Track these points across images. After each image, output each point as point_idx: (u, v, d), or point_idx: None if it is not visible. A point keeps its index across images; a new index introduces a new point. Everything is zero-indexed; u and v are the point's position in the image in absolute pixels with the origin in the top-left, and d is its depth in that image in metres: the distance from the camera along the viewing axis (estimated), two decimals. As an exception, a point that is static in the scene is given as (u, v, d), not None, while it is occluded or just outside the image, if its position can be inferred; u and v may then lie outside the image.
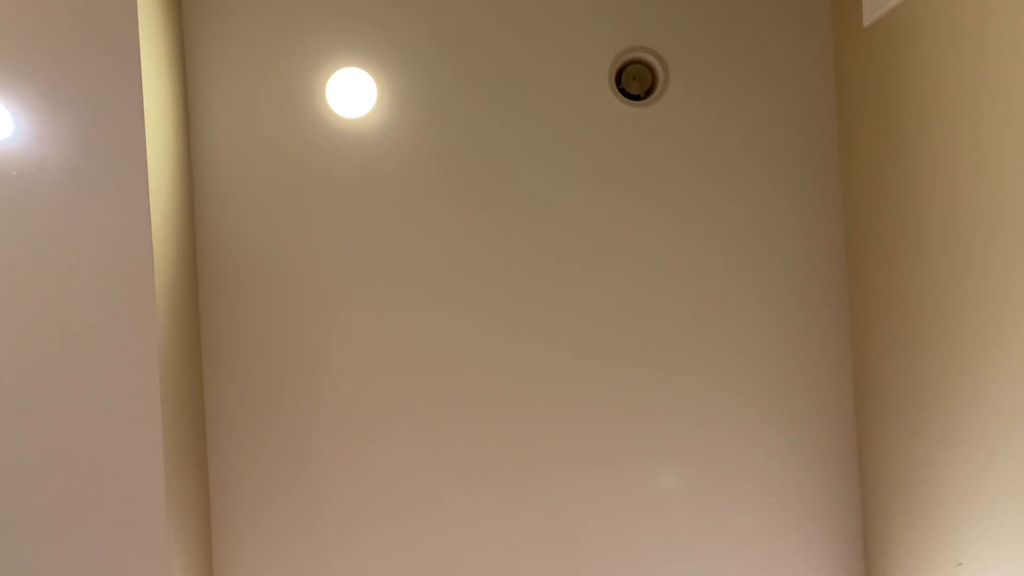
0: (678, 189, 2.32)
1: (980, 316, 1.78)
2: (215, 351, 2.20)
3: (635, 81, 2.32)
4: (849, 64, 2.27)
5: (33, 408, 1.77)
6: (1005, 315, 1.70)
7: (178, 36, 2.13)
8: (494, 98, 2.27)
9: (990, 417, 1.77)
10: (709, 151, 2.32)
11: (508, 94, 2.27)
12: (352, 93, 2.20)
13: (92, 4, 1.74)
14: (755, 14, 2.32)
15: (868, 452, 2.30)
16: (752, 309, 2.34)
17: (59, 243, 1.76)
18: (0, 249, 1.75)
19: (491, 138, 2.27)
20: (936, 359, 1.95)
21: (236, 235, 2.21)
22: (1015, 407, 1.69)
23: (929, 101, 1.92)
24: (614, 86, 2.30)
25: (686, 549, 2.33)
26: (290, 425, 2.22)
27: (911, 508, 2.09)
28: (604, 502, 2.33)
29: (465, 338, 2.27)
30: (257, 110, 2.20)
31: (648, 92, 2.32)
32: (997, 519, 1.77)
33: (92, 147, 1.76)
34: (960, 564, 1.89)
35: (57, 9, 1.73)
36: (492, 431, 2.29)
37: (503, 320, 2.28)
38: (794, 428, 2.36)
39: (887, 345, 2.17)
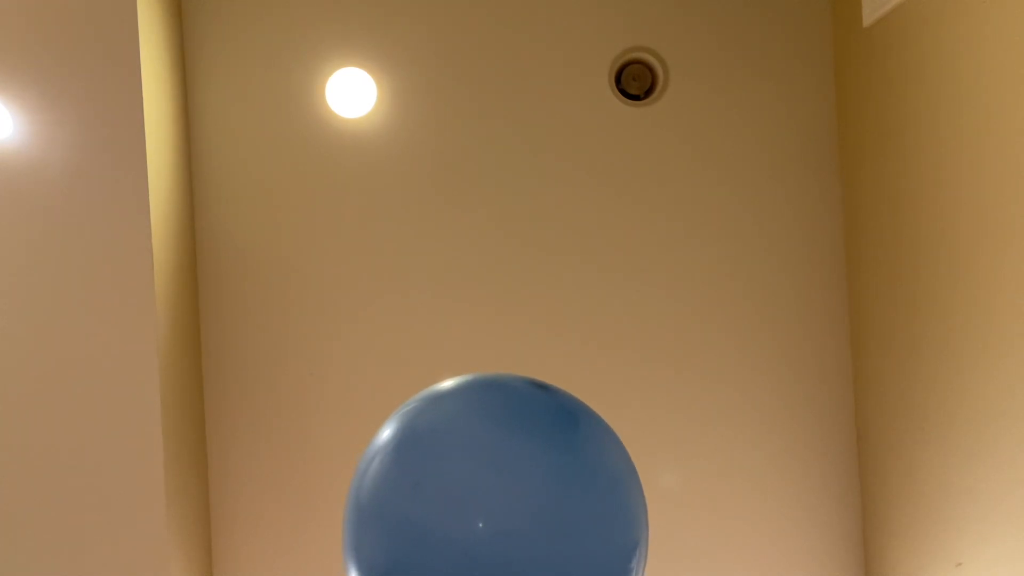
0: (678, 189, 2.32)
1: (980, 316, 1.78)
2: (215, 351, 2.20)
3: (635, 81, 2.32)
4: (849, 64, 2.27)
5: (33, 408, 1.78)
6: (1004, 315, 1.70)
7: (178, 36, 2.13)
8: (494, 98, 2.27)
9: (989, 417, 1.77)
10: (709, 151, 2.32)
11: (508, 94, 2.27)
12: (352, 93, 2.20)
13: (92, 5, 1.74)
14: (755, 14, 2.32)
15: (868, 452, 2.30)
16: (752, 309, 2.34)
17: (59, 243, 1.76)
18: (0, 249, 1.75)
19: (491, 138, 2.27)
20: (935, 359, 1.95)
21: (236, 235, 2.21)
22: (1014, 407, 1.69)
23: (929, 101, 1.92)
24: (614, 86, 2.30)
25: (685, 549, 2.33)
26: (289, 424, 2.22)
27: (911, 508, 2.09)
28: (604, 502, 2.33)
29: (465, 337, 2.27)
30: (257, 110, 2.20)
31: (648, 92, 2.32)
32: (996, 519, 1.77)
33: (92, 147, 1.76)
34: (960, 564, 1.89)
35: (57, 10, 1.73)
36: (492, 431, 2.28)
37: (503, 319, 2.28)
38: (794, 428, 2.36)
39: (887, 345, 2.17)
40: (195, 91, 2.18)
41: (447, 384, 1.07)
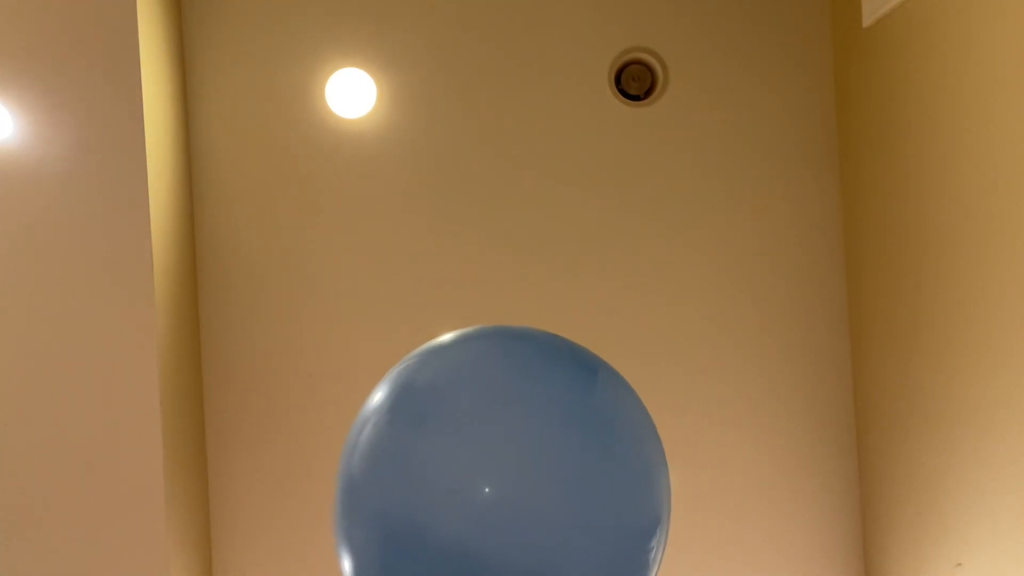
0: (678, 189, 2.32)
1: (979, 317, 1.78)
2: (215, 351, 2.20)
3: (635, 81, 2.32)
4: (849, 64, 2.27)
5: (33, 408, 1.77)
6: (1004, 315, 1.70)
7: (178, 36, 2.13)
8: (494, 98, 2.27)
9: (989, 417, 1.77)
10: (708, 152, 2.32)
11: (508, 94, 2.27)
12: (352, 93, 2.20)
13: (92, 5, 1.74)
14: (754, 15, 2.32)
15: (868, 453, 2.30)
16: (751, 309, 2.34)
17: (59, 243, 1.76)
18: (0, 249, 1.75)
19: (491, 138, 2.27)
20: (935, 360, 1.95)
21: (236, 235, 2.20)
22: (1013, 408, 1.69)
23: (928, 101, 1.92)
24: (614, 86, 2.30)
25: (687, 548, 2.33)
26: (289, 424, 2.22)
27: (911, 508, 2.09)
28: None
29: (465, 338, 2.27)
30: (257, 110, 2.20)
31: (647, 92, 2.32)
32: (996, 519, 1.77)
33: (92, 147, 1.76)
34: (959, 564, 1.89)
35: (57, 10, 1.73)
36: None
37: (503, 319, 2.28)
38: (794, 428, 2.35)
39: (886, 346, 2.17)
40: (195, 91, 2.18)
41: (448, 337, 0.96)
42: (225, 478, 2.21)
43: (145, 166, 1.77)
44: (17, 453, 1.77)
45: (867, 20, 2.13)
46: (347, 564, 0.87)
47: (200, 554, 2.10)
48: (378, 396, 0.88)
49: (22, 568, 1.78)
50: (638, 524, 0.82)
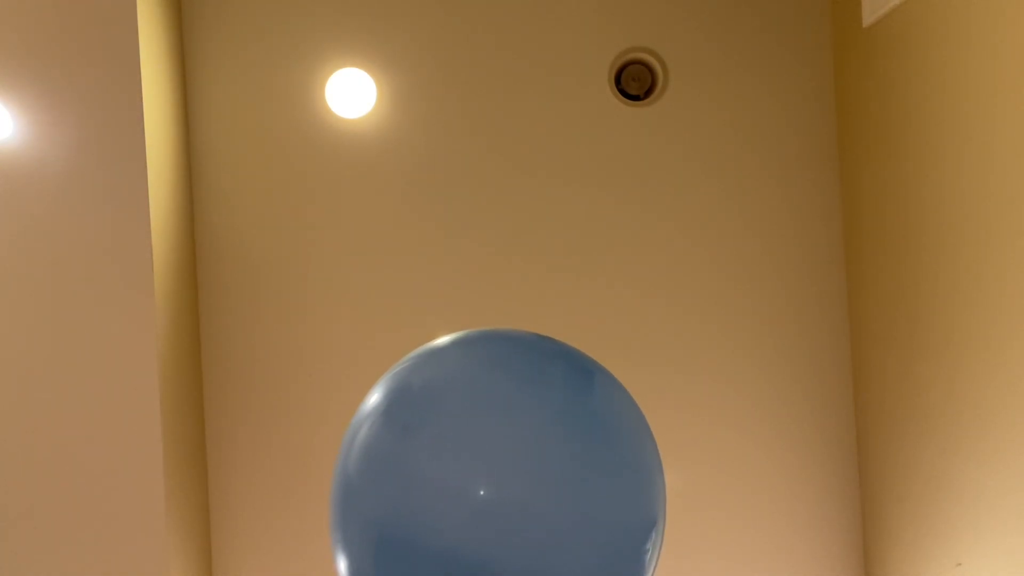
0: (678, 189, 2.32)
1: (979, 316, 1.78)
2: (215, 351, 2.20)
3: (634, 81, 2.32)
4: (849, 64, 2.27)
5: (33, 408, 1.77)
6: (1004, 315, 1.70)
7: (178, 37, 2.13)
8: (494, 98, 2.27)
9: (989, 417, 1.77)
10: (708, 152, 2.32)
11: (508, 94, 2.27)
12: (352, 93, 2.20)
13: (92, 5, 1.74)
14: (755, 15, 2.32)
15: (868, 452, 2.30)
16: (751, 309, 2.34)
17: (59, 243, 1.76)
18: (0, 249, 1.76)
19: (491, 138, 2.27)
20: (935, 360, 1.95)
21: (235, 235, 2.21)
22: (1014, 408, 1.69)
23: (928, 101, 1.92)
24: (613, 86, 2.30)
25: (687, 548, 2.33)
26: (289, 424, 2.22)
27: (911, 508, 2.09)
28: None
29: (465, 338, 2.27)
30: (257, 110, 2.20)
31: (647, 92, 2.32)
32: (996, 519, 1.77)
33: (92, 147, 1.76)
34: (960, 564, 1.89)
35: (57, 10, 1.74)
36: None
37: (503, 320, 2.28)
38: (794, 428, 2.35)
39: (887, 346, 2.17)
40: (195, 91, 2.18)
41: (443, 340, 0.97)
42: (225, 478, 2.21)
43: (145, 166, 1.78)
44: (17, 453, 1.77)
45: (867, 20, 2.12)
46: (343, 567, 0.88)
47: (200, 554, 2.10)
48: (373, 399, 0.89)
49: (23, 568, 1.78)
50: (634, 525, 0.83)
